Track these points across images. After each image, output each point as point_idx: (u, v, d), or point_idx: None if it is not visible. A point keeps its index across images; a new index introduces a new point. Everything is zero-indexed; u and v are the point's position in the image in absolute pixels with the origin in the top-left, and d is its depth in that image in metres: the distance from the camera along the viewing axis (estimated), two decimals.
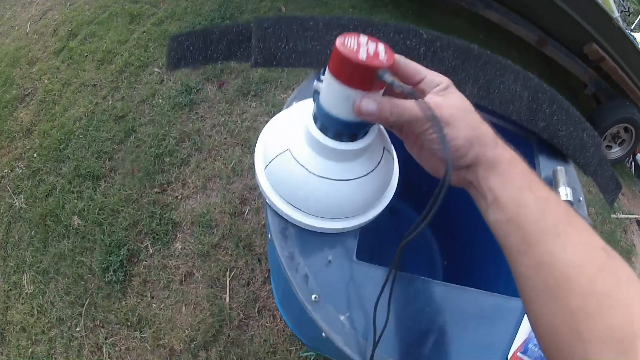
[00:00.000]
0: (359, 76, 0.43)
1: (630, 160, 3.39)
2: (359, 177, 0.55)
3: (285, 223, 0.66)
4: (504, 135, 1.11)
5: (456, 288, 0.72)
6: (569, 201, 0.91)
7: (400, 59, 0.47)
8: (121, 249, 1.75)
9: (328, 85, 0.46)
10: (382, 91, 0.46)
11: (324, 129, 0.51)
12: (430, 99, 0.45)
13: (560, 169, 0.97)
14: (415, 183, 1.04)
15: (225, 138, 2.02)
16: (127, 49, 2.45)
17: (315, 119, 0.52)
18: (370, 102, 0.45)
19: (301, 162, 0.54)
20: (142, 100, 2.18)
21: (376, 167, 0.55)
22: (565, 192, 0.92)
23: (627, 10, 3.47)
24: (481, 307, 0.70)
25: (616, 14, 2.97)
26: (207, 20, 2.54)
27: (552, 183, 0.97)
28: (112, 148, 2.03)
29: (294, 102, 0.84)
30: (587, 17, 2.80)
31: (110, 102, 2.22)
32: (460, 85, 0.92)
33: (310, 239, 0.66)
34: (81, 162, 2.02)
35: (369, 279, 0.66)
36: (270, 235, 0.67)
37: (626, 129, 3.16)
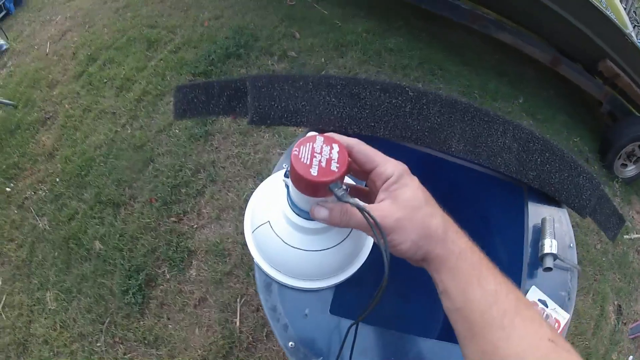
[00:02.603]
0: (313, 189, 0.51)
1: None
2: (328, 249, 0.67)
3: (270, 280, 0.78)
4: (493, 183, 1.25)
5: (429, 341, 0.87)
6: (552, 254, 1.00)
7: (356, 146, 0.53)
8: (140, 273, 2.02)
9: (291, 186, 0.56)
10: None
11: (296, 210, 0.61)
12: (377, 206, 0.51)
13: (549, 220, 1.05)
14: None
15: (238, 170, 2.27)
16: (144, 76, 2.74)
17: (287, 199, 0.62)
18: (322, 210, 0.53)
19: (278, 234, 0.67)
20: (160, 130, 2.45)
21: (344, 239, 0.67)
22: (549, 244, 1.01)
23: None
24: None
25: (629, 29, 3.07)
26: (222, 48, 2.78)
27: (540, 231, 1.05)
28: (131, 177, 2.29)
29: (284, 165, 0.97)
30: (600, 34, 2.93)
31: (129, 131, 2.49)
32: (446, 141, 1.10)
33: (290, 294, 0.81)
34: (102, 189, 2.29)
35: (341, 330, 0.82)
36: (257, 288, 0.84)
37: None
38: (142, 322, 1.95)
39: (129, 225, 2.17)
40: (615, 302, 2.52)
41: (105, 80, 2.84)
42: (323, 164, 0.49)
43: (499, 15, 3.22)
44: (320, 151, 0.50)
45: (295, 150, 0.50)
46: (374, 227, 0.48)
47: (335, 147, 0.51)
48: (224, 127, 2.42)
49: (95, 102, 2.72)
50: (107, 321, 1.98)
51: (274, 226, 0.67)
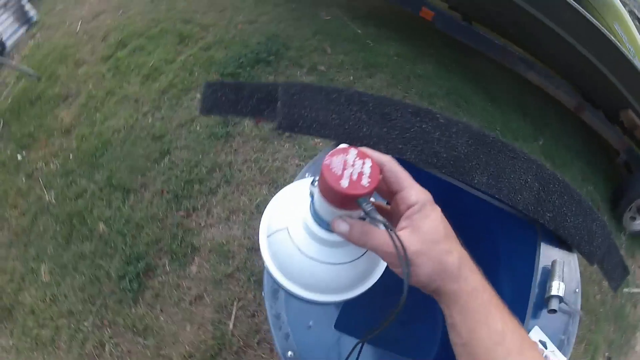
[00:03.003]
0: (341, 200, 0.50)
1: None
2: (343, 263, 0.65)
3: (278, 286, 0.76)
4: (508, 219, 1.27)
5: None
6: (558, 296, 1.02)
7: (387, 164, 0.53)
8: (140, 261, 2.03)
9: (317, 196, 0.55)
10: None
11: (317, 219, 0.59)
12: (400, 231, 0.51)
13: (559, 262, 1.07)
14: None
15: (254, 175, 2.29)
16: (172, 69, 2.78)
17: (310, 208, 0.63)
18: (343, 224, 0.53)
19: (295, 242, 0.65)
20: (181, 124, 2.48)
21: (360, 257, 0.66)
22: (557, 286, 1.03)
23: None
24: None
25: None
26: (253, 52, 2.83)
27: (549, 273, 1.07)
28: (145, 165, 2.32)
29: (307, 174, 0.98)
30: (624, 81, 2.97)
31: (149, 120, 2.53)
32: (470, 172, 1.12)
33: (296, 304, 0.81)
34: (114, 172, 2.32)
35: (343, 346, 0.82)
36: (264, 293, 0.84)
37: None
38: (134, 310, 1.96)
39: (136, 213, 2.19)
40: (606, 354, 2.54)
41: (132, 67, 2.89)
42: (354, 177, 0.49)
43: (530, 54, 3.27)
44: (352, 164, 0.50)
45: (327, 160, 0.50)
46: (398, 249, 0.49)
47: (368, 162, 0.51)
48: (246, 130, 2.45)
49: (119, 87, 2.77)
50: (98, 303, 1.99)
51: (291, 233, 0.66)
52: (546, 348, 1.00)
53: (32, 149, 2.67)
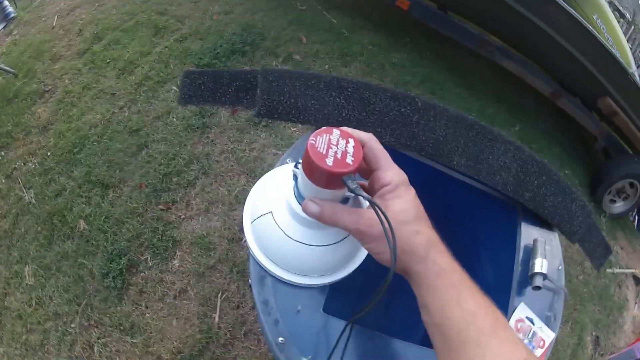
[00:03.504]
0: (325, 179, 0.50)
1: (634, 214, 3.53)
2: (329, 245, 0.64)
3: (264, 272, 0.74)
4: (488, 201, 1.24)
5: (415, 346, 0.85)
6: (542, 274, 0.99)
7: (368, 142, 0.53)
8: (122, 258, 1.94)
9: (302, 176, 0.54)
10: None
11: (301, 201, 0.58)
12: (367, 212, 0.52)
13: (541, 241, 1.05)
14: None
15: (232, 165, 2.20)
16: (148, 62, 2.65)
17: (294, 191, 0.62)
18: (313, 206, 0.53)
19: (280, 225, 0.64)
20: (158, 116, 2.37)
21: (344, 238, 0.65)
22: (540, 263, 1.01)
23: None
24: None
25: (633, 68, 3.08)
26: (228, 43, 2.73)
27: (531, 251, 1.05)
28: (123, 160, 2.22)
29: (288, 160, 0.93)
30: (603, 71, 2.93)
31: (126, 114, 2.42)
32: (449, 155, 1.09)
33: (284, 289, 0.77)
34: (92, 168, 2.22)
35: (332, 330, 0.79)
36: (250, 281, 0.80)
37: (632, 184, 3.28)
38: (119, 308, 1.87)
39: (116, 208, 2.09)
40: (594, 333, 2.51)
41: (108, 61, 2.76)
42: (339, 156, 0.48)
43: (505, 43, 3.19)
44: (336, 143, 0.50)
45: (312, 139, 0.49)
46: (385, 224, 0.47)
47: (351, 142, 0.51)
48: (222, 121, 2.36)
49: (95, 81, 2.63)
50: (83, 303, 1.89)
51: (276, 217, 0.64)
52: (533, 324, 0.98)
53: (11, 148, 2.54)
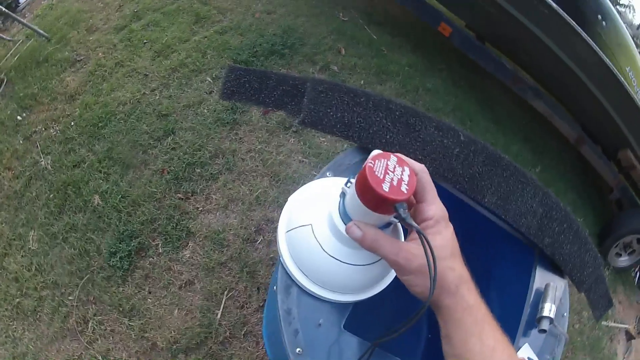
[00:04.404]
0: (378, 203, 0.51)
1: (636, 270, 3.54)
2: (363, 265, 0.66)
3: (291, 282, 0.76)
4: (507, 239, 1.23)
5: None
6: (549, 317, 1.01)
7: (419, 173, 0.55)
8: (133, 240, 1.94)
9: (352, 196, 0.55)
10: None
11: (345, 219, 0.60)
12: (406, 245, 0.54)
13: (552, 286, 1.07)
14: None
15: (257, 165, 2.20)
16: (185, 49, 2.67)
17: (339, 207, 0.61)
18: (357, 230, 0.56)
19: (319, 239, 0.66)
20: (188, 105, 2.38)
21: (378, 260, 0.67)
22: (549, 308, 1.02)
23: None
24: None
25: None
26: (268, 43, 2.74)
27: (542, 295, 1.06)
28: (148, 142, 2.22)
29: (328, 174, 0.94)
30: (628, 122, 2.97)
31: (157, 97, 2.42)
32: (482, 191, 1.11)
33: (308, 301, 0.78)
34: (115, 146, 2.22)
35: (350, 347, 0.80)
36: (276, 288, 0.80)
37: (639, 240, 3.28)
38: (121, 289, 1.87)
39: (134, 189, 2.10)
40: None
41: (145, 41, 2.78)
42: (394, 183, 0.50)
43: (538, 82, 3.24)
44: (393, 169, 0.51)
45: (371, 162, 0.50)
46: (428, 255, 0.50)
47: (407, 170, 0.52)
48: (253, 120, 2.36)
49: (129, 59, 2.65)
50: (85, 277, 1.90)
51: (315, 230, 0.66)
52: None
53: (33, 111, 2.57)
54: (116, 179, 2.14)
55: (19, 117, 2.54)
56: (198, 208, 2.04)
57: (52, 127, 2.44)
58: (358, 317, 0.86)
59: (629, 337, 3.07)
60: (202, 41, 2.73)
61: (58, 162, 2.25)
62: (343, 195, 0.60)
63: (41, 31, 2.92)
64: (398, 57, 3.19)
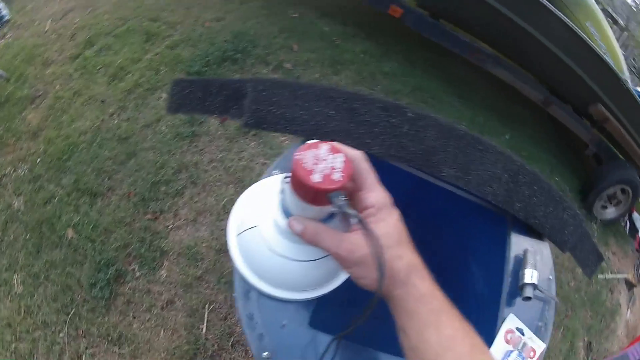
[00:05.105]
0: (312, 195, 0.47)
1: (626, 219, 3.47)
2: (315, 260, 0.60)
3: (249, 286, 0.70)
4: (478, 211, 1.17)
5: None
6: (532, 284, 0.95)
7: (356, 160, 0.50)
8: (110, 267, 1.85)
9: (289, 191, 0.51)
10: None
11: (288, 216, 0.55)
12: (347, 236, 0.49)
13: (531, 251, 1.02)
14: None
15: (220, 174, 2.11)
16: (139, 68, 2.56)
17: (281, 204, 0.58)
18: (298, 224, 0.51)
19: (266, 239, 0.60)
20: (147, 124, 2.28)
21: (328, 254, 0.62)
22: (530, 274, 0.97)
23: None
24: None
25: (626, 75, 3.00)
26: (219, 50, 2.64)
27: (521, 262, 1.00)
28: (112, 168, 2.13)
29: (275, 172, 0.89)
30: (595, 78, 2.84)
31: (116, 121, 2.32)
32: (438, 166, 1.03)
33: (269, 304, 0.74)
34: (81, 176, 2.12)
35: (318, 344, 0.75)
36: (234, 294, 0.75)
37: (623, 191, 3.20)
38: (107, 318, 1.78)
39: (104, 217, 2.01)
40: (585, 339, 2.43)
41: (99, 67, 2.65)
42: (326, 172, 0.45)
43: (497, 51, 3.10)
44: (324, 158, 0.46)
45: (298, 154, 0.46)
46: (371, 244, 0.46)
47: (340, 157, 0.47)
48: (212, 129, 2.28)
49: (86, 87, 2.53)
50: (72, 312, 1.80)
51: (262, 231, 0.60)
52: (524, 335, 0.93)
53: (1, 154, 2.43)
54: (86, 209, 2.04)
55: None
56: (168, 226, 1.96)
57: (20, 167, 2.32)
58: (324, 312, 0.80)
59: (630, 286, 3.01)
60: (154, 59, 2.62)
61: (30, 201, 2.13)
62: (283, 191, 0.55)
63: (1, 71, 2.73)
64: (352, 46, 3.12)
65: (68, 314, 1.79)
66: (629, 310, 2.83)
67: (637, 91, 3.15)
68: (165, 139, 2.21)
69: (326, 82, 2.74)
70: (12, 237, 2.04)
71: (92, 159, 2.17)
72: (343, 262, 0.50)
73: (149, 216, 1.97)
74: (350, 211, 0.46)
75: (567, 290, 2.53)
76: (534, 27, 2.67)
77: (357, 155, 0.50)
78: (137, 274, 1.84)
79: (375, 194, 0.49)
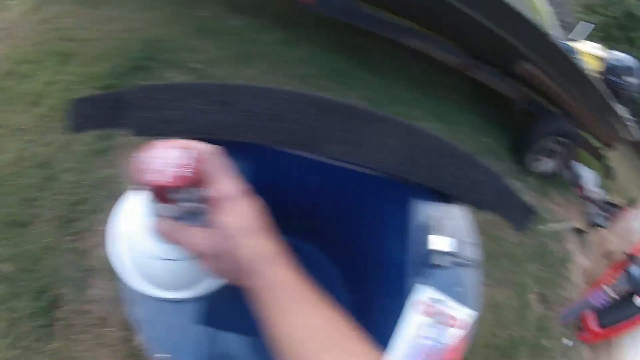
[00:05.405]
0: (157, 194, 0.43)
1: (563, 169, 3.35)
2: (183, 259, 0.54)
3: (135, 291, 0.65)
4: (377, 184, 1.08)
5: None
6: (439, 251, 0.88)
7: (207, 155, 0.45)
8: (44, 295, 1.71)
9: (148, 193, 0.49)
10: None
11: (150, 214, 0.52)
12: (190, 231, 0.45)
13: (436, 216, 0.95)
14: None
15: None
16: (54, 91, 2.38)
17: (145, 204, 0.53)
18: (161, 225, 0.46)
19: (140, 241, 0.55)
20: (63, 146, 2.12)
21: None
22: (436, 240, 0.90)
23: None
24: None
25: (555, 29, 2.88)
26: (131, 61, 2.48)
27: (429, 229, 0.94)
28: (35, 195, 1.98)
29: None
30: (516, 35, 2.55)
31: (35, 149, 2.15)
32: (322, 144, 0.94)
33: (155, 305, 0.69)
34: (9, 208, 1.95)
35: (212, 342, 0.72)
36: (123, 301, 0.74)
37: (559, 142, 3.03)
38: (52, 345, 1.65)
39: (33, 246, 1.89)
40: (537, 291, 2.29)
41: (19, 96, 2.37)
42: (167, 169, 0.40)
43: (407, 20, 2.85)
44: (164, 156, 0.42)
45: (136, 155, 0.43)
46: (213, 236, 0.43)
47: (187, 153, 0.42)
48: (123, 141, 2.13)
49: (6, 119, 2.32)
50: (22, 345, 1.65)
51: (136, 233, 0.54)
52: (441, 304, 0.85)
53: None
54: (19, 240, 1.88)
55: None
56: (92, 244, 1.85)
57: None
58: (216, 309, 0.74)
59: (580, 232, 2.91)
60: (69, 79, 2.36)
61: None
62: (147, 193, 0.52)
63: None
64: (266, 37, 2.97)
65: (19, 348, 1.63)
66: (583, 257, 2.71)
67: (565, 45, 2.96)
68: (81, 158, 2.05)
69: (238, 77, 2.54)
70: None
71: (17, 190, 1.99)
72: (199, 257, 0.45)
73: (72, 237, 1.84)
74: (201, 206, 0.44)
75: (509, 247, 2.41)
76: None
77: (208, 149, 0.46)
78: (70, 296, 1.72)
79: (223, 186, 0.44)
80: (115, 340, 1.63)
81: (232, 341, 0.72)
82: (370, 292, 1.36)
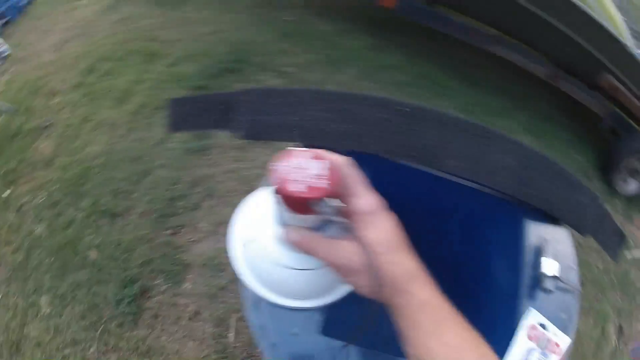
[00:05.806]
0: (295, 205, 0.45)
1: None
2: (316, 268, 0.59)
3: (257, 297, 0.69)
4: (491, 203, 1.14)
5: None
6: (551, 275, 0.92)
7: (342, 167, 0.47)
8: (135, 283, 1.89)
9: (279, 201, 0.49)
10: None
11: (282, 225, 0.55)
12: (341, 245, 0.47)
13: (549, 240, 0.99)
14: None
15: (236, 184, 2.14)
16: (142, 89, 2.60)
17: (277, 215, 0.56)
18: (294, 235, 0.49)
19: (269, 250, 0.59)
20: (156, 143, 2.32)
21: None
22: (549, 265, 0.94)
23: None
24: None
25: (629, 39, 2.88)
26: (219, 63, 2.67)
27: (540, 252, 0.98)
28: (128, 188, 2.17)
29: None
30: (597, 47, 2.75)
31: (126, 143, 2.36)
32: (441, 158, 1.00)
33: (280, 313, 0.74)
34: (99, 198, 2.16)
35: (330, 350, 0.75)
36: (244, 306, 0.78)
37: None
38: (135, 332, 1.82)
39: (125, 236, 2.04)
40: (616, 322, 2.37)
41: (104, 92, 2.67)
42: (308, 180, 0.43)
43: (497, 30, 3.05)
44: (305, 166, 0.44)
45: (276, 164, 0.44)
46: (364, 252, 0.44)
47: (323, 164, 0.44)
48: (222, 141, 2.30)
49: (93, 113, 2.58)
50: (100, 329, 1.84)
51: (263, 242, 0.58)
52: (546, 329, 0.90)
53: (18, 184, 2.50)
54: (107, 230, 2.08)
55: (6, 193, 2.42)
56: (189, 239, 1.99)
57: (39, 195, 2.34)
58: (336, 319, 0.80)
59: None
60: (156, 78, 2.64)
61: (51, 226, 2.17)
62: (277, 202, 0.53)
63: (7, 106, 2.80)
64: (351, 42, 3.10)
65: (97, 331, 1.82)
66: None
67: None
68: (176, 155, 2.25)
69: (330, 82, 2.73)
70: (36, 262, 2.07)
71: (107, 181, 2.21)
72: (339, 271, 0.48)
73: (169, 231, 2.01)
74: (337, 219, 0.45)
75: (595, 273, 2.47)
76: (530, 2, 2.61)
77: (344, 161, 0.47)
78: (162, 287, 1.87)
79: (365, 200, 0.46)
80: (206, 335, 1.75)
81: (352, 354, 0.74)
82: (464, 310, 1.51)
